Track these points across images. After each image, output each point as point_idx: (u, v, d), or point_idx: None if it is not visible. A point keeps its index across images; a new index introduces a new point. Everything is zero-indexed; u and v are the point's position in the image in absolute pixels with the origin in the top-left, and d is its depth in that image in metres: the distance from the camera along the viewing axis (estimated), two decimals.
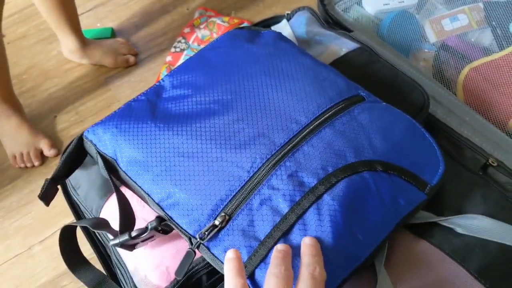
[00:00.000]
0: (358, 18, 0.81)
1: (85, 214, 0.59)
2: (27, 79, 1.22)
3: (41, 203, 0.51)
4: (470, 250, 0.46)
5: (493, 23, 0.78)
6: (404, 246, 0.47)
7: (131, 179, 0.48)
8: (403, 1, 0.82)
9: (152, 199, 0.46)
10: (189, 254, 0.43)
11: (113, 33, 1.28)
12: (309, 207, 0.42)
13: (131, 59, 1.20)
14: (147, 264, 0.49)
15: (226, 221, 0.43)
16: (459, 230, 0.48)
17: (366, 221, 0.43)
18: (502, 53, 0.72)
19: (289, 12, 0.75)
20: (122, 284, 0.53)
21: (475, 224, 0.47)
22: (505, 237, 0.47)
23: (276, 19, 0.75)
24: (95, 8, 1.34)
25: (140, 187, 0.47)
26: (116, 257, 0.54)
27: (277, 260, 0.39)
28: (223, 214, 0.43)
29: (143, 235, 0.45)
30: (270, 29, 0.63)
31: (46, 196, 0.51)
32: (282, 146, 0.46)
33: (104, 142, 0.50)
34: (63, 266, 0.52)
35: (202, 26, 1.21)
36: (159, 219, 0.46)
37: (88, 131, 0.52)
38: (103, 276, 0.52)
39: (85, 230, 0.58)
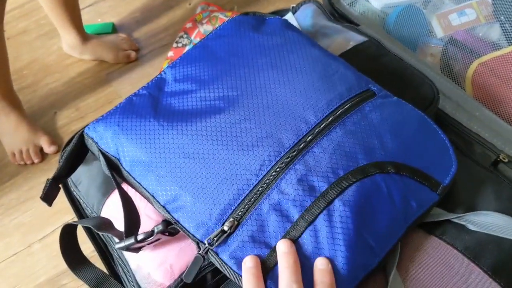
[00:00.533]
0: (364, 12, 0.79)
1: (86, 210, 0.58)
2: (28, 74, 1.21)
3: (40, 201, 0.50)
4: (483, 248, 0.45)
5: (502, 17, 0.76)
6: (416, 243, 0.46)
7: (135, 180, 0.47)
8: None
9: (158, 201, 0.45)
10: (198, 259, 0.42)
11: (114, 28, 1.27)
12: (319, 213, 0.41)
13: (133, 54, 1.19)
14: (150, 262, 0.48)
15: (235, 227, 0.41)
16: (471, 227, 0.46)
17: (377, 226, 0.42)
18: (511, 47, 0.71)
19: (294, 5, 0.74)
20: (124, 282, 0.52)
21: (489, 221, 0.46)
22: None
23: (281, 13, 0.73)
24: (95, 3, 1.33)
25: (145, 188, 0.46)
26: (118, 255, 0.52)
27: (288, 276, 0.38)
28: (231, 219, 0.41)
29: (149, 239, 0.44)
30: (276, 15, 0.61)
31: (49, 197, 0.50)
32: (291, 148, 0.45)
33: (106, 140, 0.49)
34: (63, 264, 0.50)
35: (204, 21, 1.20)
36: (166, 222, 0.45)
37: (89, 128, 0.51)
38: (105, 275, 0.51)
39: (86, 227, 0.57)
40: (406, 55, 0.66)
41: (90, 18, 1.30)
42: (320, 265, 0.39)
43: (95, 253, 0.56)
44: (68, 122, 1.13)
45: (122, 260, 0.52)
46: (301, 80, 0.50)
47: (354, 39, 0.64)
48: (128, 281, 0.50)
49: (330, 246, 0.40)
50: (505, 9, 0.76)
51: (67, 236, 0.50)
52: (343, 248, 0.40)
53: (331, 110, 0.47)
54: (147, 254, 0.48)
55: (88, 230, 0.57)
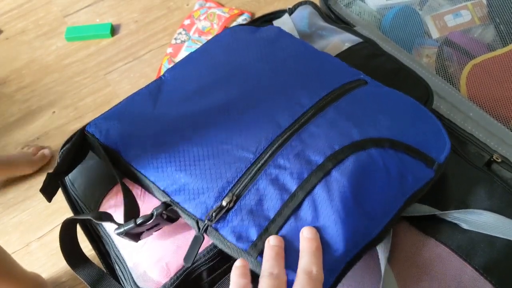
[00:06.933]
0: (360, 13, 0.80)
1: (83, 209, 0.59)
2: (26, 74, 1.21)
3: (39, 200, 0.50)
4: (475, 246, 0.46)
5: (497, 19, 0.77)
6: (409, 242, 0.47)
7: (136, 169, 0.48)
8: None
9: (158, 187, 0.46)
10: (197, 239, 0.43)
11: (112, 29, 1.27)
12: (317, 183, 0.42)
13: (46, 151, 1.11)
14: (146, 260, 0.48)
15: (233, 202, 0.42)
16: (464, 226, 0.47)
17: (375, 196, 0.43)
18: (506, 49, 0.71)
19: (290, 6, 0.75)
20: (121, 281, 0.52)
21: (482, 220, 0.47)
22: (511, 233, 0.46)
23: (278, 14, 0.74)
24: (94, 3, 1.34)
25: (145, 176, 0.47)
26: (115, 253, 0.53)
27: (270, 261, 0.38)
28: (230, 194, 0.43)
29: (148, 222, 0.45)
30: (272, 24, 0.63)
31: (48, 191, 0.51)
32: (287, 128, 0.46)
33: (106, 134, 0.51)
34: (61, 262, 0.51)
35: (202, 18, 1.21)
36: (165, 204, 0.45)
37: (90, 125, 0.52)
38: (103, 272, 0.51)
39: (83, 226, 0.58)
40: (401, 56, 0.67)
41: (89, 18, 1.30)
42: (306, 234, 0.40)
43: (92, 253, 0.56)
44: (67, 122, 1.14)
45: (119, 259, 0.52)
46: (296, 72, 0.53)
47: (350, 40, 0.65)
48: (125, 279, 0.51)
49: (329, 215, 0.40)
50: (499, 10, 0.77)
51: (67, 232, 0.51)
52: (343, 215, 0.40)
53: (325, 94, 0.49)
54: (143, 252, 0.49)
55: (85, 229, 0.57)
